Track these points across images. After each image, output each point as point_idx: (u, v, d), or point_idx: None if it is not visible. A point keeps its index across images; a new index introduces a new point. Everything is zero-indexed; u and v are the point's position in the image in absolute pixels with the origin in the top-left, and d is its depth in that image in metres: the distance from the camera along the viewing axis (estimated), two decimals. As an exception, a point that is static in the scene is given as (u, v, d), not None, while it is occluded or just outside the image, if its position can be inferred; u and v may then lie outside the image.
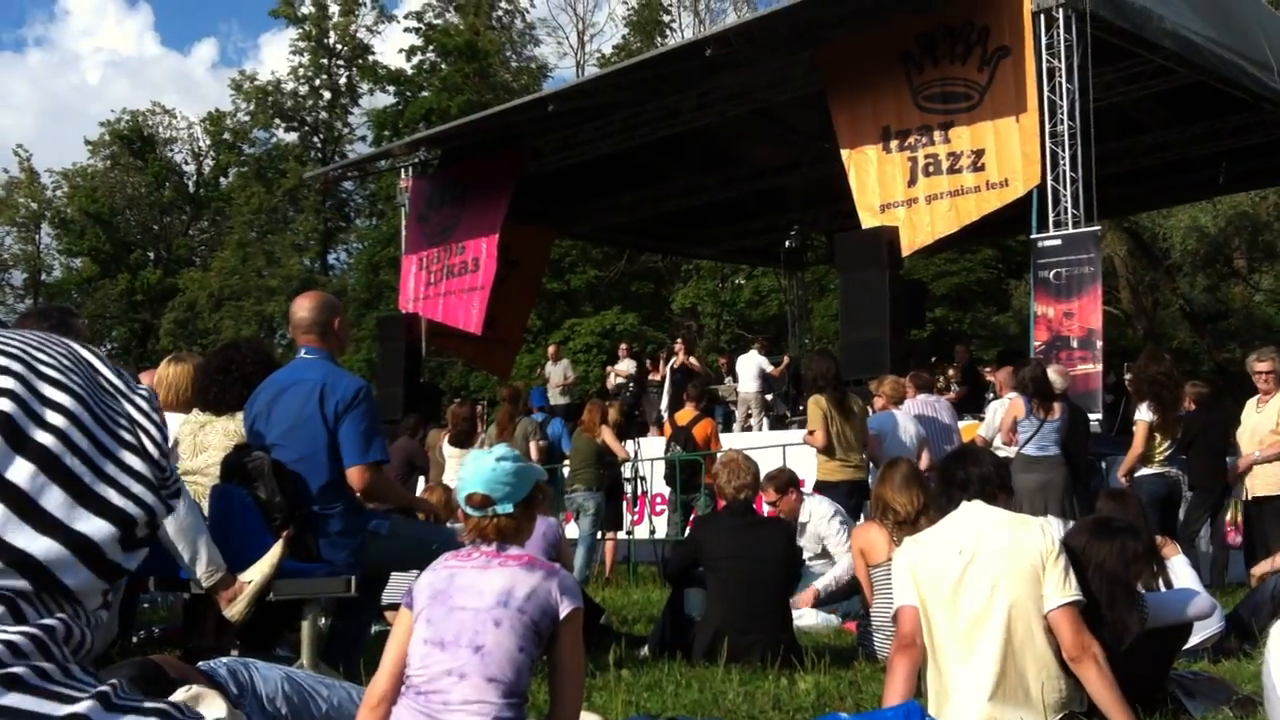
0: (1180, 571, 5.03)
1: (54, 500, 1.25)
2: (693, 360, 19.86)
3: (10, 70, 74.73)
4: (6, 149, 54.84)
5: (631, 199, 21.36)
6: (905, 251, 14.25)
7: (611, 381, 20.80)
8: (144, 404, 1.42)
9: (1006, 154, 13.23)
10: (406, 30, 42.93)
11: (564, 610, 3.19)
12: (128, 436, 1.36)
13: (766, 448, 12.55)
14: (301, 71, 44.57)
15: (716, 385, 19.17)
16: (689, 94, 16.79)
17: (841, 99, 14.83)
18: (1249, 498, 9.00)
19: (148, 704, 1.30)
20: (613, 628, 7.42)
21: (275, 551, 4.80)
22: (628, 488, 12.91)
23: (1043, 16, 12.94)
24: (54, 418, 1.28)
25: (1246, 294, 31.90)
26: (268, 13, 44.92)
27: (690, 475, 12.64)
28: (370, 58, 44.75)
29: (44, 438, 1.26)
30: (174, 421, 5.74)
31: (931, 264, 30.01)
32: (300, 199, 44.26)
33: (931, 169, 13.87)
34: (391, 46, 46.70)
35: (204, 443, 5.61)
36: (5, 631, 1.21)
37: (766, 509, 8.09)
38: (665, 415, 17.63)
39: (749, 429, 17.70)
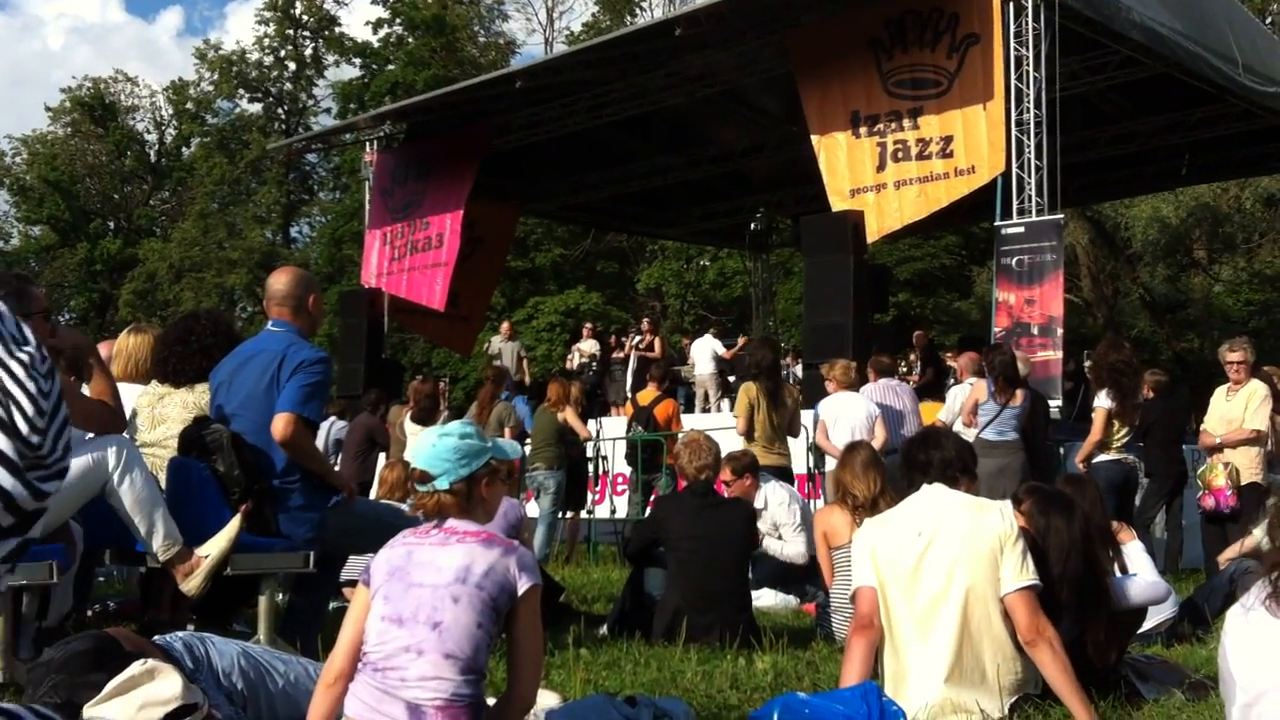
0: (1136, 557, 5.08)
1: None
2: (655, 345, 19.78)
3: (-30, 35, 73.66)
4: (-36, 114, 54.08)
5: (597, 178, 21.31)
6: (874, 236, 14.28)
7: (574, 361, 20.75)
8: (20, 369, 1.23)
9: (974, 141, 13.28)
10: (374, 2, 42.68)
11: (522, 587, 3.18)
12: None
13: (728, 429, 12.53)
14: (267, 42, 44.24)
15: (679, 366, 19.19)
16: (657, 74, 16.74)
17: (811, 83, 14.83)
18: (1242, 483, 9.13)
19: None
20: (572, 606, 7.43)
21: (233, 526, 4.77)
22: (590, 467, 12.90)
23: (1012, 5, 12.98)
24: None
25: (1206, 285, 32.21)
26: (234, -20, 44.53)
27: (651, 455, 12.65)
28: (337, 29, 44.50)
29: None
30: (132, 393, 5.68)
31: (895, 249, 30.12)
32: (263, 171, 43.92)
33: (900, 155, 13.90)
34: (358, 19, 46.60)
35: (162, 415, 5.56)
36: None
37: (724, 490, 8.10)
38: (627, 394, 17.64)
39: (707, 410, 17.73)
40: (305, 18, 44.47)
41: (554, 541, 11.91)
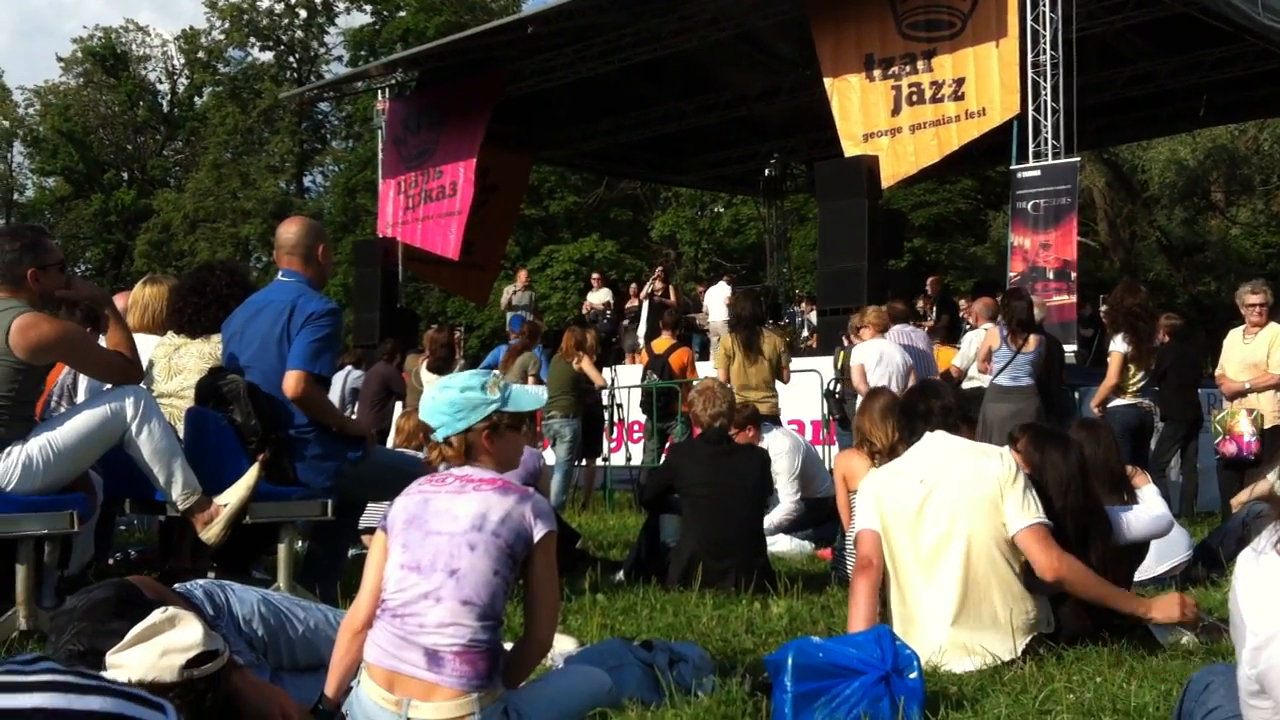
0: (1150, 501, 5.08)
1: None
2: (668, 292, 19.69)
3: (-21, -15, 73.33)
4: (-24, 66, 53.91)
5: (611, 124, 21.20)
6: (889, 182, 14.22)
7: (587, 309, 20.71)
8: None
9: (985, 82, 13.17)
10: (384, -52, 42.34)
11: (538, 533, 3.21)
12: None
13: (743, 376, 12.57)
14: (278, -10, 43.96)
15: (694, 314, 19.16)
16: (670, 18, 16.62)
17: (825, 26, 14.70)
18: (1266, 427, 9.07)
19: None
20: (589, 553, 7.47)
21: (251, 474, 4.80)
22: (605, 415, 12.93)
23: (1028, -56, 12.84)
24: None
25: (1223, 227, 32.00)
26: (244, -71, 44.16)
27: (666, 403, 12.66)
28: (347, -25, 44.14)
29: None
30: (148, 344, 5.71)
31: (910, 194, 29.97)
32: (276, 120, 43.80)
33: (915, 98, 13.80)
34: (369, -35, 45.97)
35: (179, 365, 5.59)
36: None
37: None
38: (641, 343, 17.63)
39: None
40: (316, -35, 44.21)
41: (570, 489, 11.96)
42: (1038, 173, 12.92)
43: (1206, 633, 4.51)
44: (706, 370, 14.04)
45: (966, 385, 10.33)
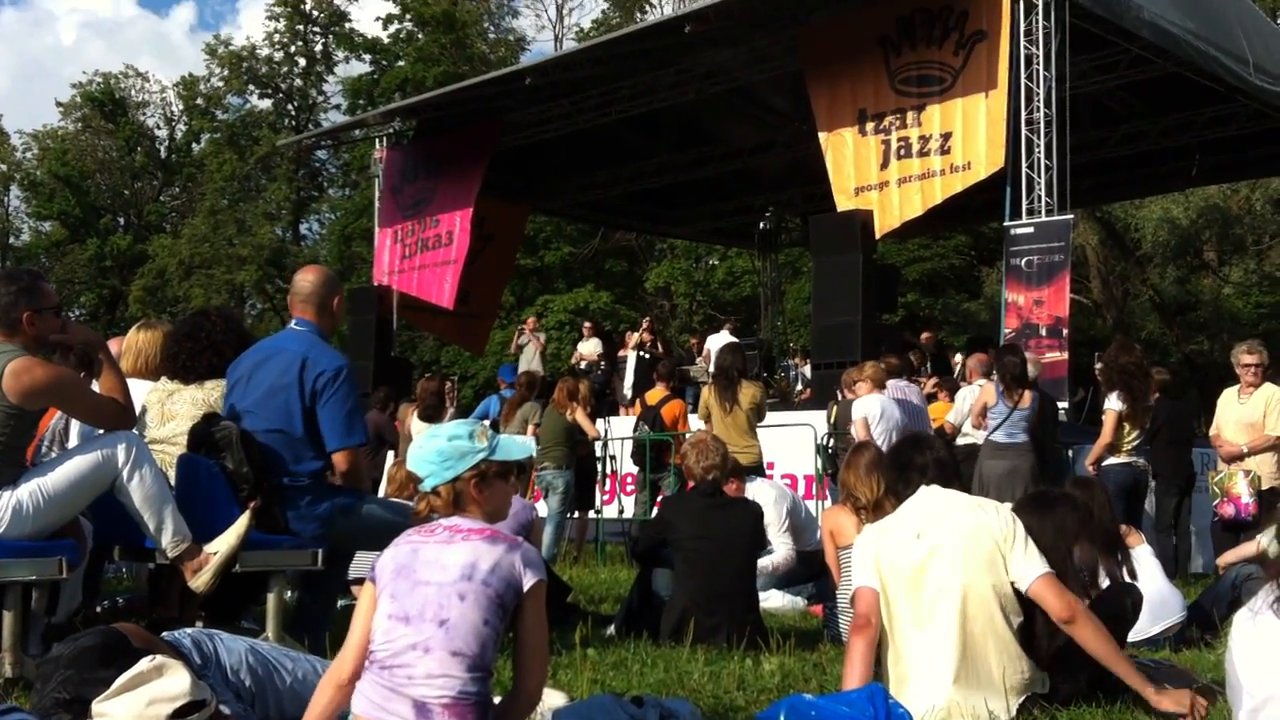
0: (1145, 562, 5.07)
1: None
2: (656, 344, 19.63)
3: (-18, 30, 73.83)
4: (-24, 110, 54.23)
5: (607, 176, 21.30)
6: (876, 235, 14.27)
7: (577, 359, 20.65)
8: None
9: (971, 137, 13.28)
10: (384, -1, 42.71)
11: (528, 582, 3.19)
12: None
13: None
14: (277, 38, 44.25)
15: (687, 366, 19.16)
16: (667, 71, 16.74)
17: (820, 81, 14.82)
18: (1263, 489, 9.04)
19: None
20: (580, 606, 7.42)
21: (242, 523, 4.78)
22: (598, 467, 12.90)
23: (1022, 2, 12.96)
24: None
25: (1216, 286, 32.12)
26: (244, -22, 44.57)
27: (659, 455, 12.64)
28: (347, 25, 44.47)
29: None
30: (141, 389, 5.69)
31: (905, 249, 30.10)
32: (273, 167, 43.97)
33: (903, 152, 13.91)
34: (368, 14, 46.48)
35: (171, 411, 5.57)
36: None
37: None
38: (629, 394, 17.60)
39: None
40: (315, 13, 44.49)
41: (562, 541, 11.91)
42: (1031, 229, 12.98)
43: (1201, 694, 4.48)
44: (699, 422, 14.04)
45: (961, 441, 10.33)
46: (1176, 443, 10.54)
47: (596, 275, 36.90)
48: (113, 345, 5.78)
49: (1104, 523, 4.97)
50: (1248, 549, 7.52)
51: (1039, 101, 12.91)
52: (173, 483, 5.03)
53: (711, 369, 10.73)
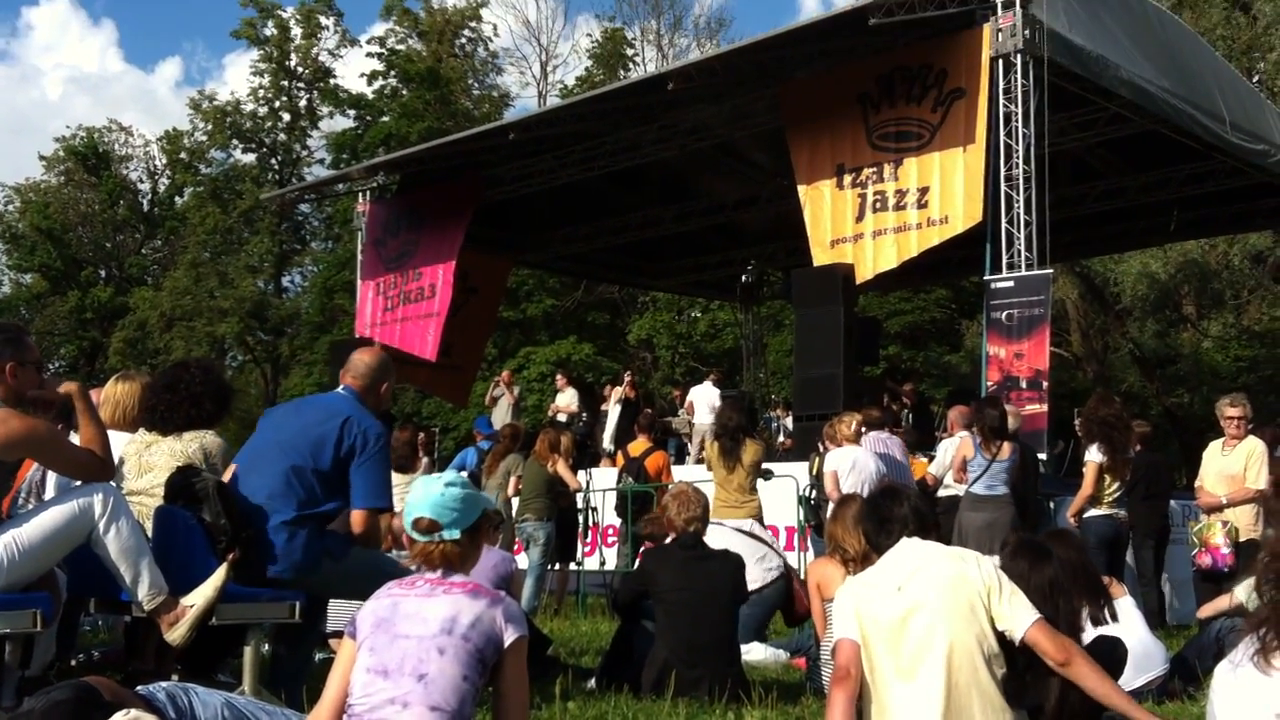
0: (1128, 613, 5.06)
1: None
2: (639, 399, 19.63)
3: (-32, 84, 73.96)
4: (-41, 162, 54.21)
5: (590, 229, 21.39)
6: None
7: (553, 410, 20.55)
8: None
9: (949, 191, 13.39)
10: (369, 55, 42.98)
11: (509, 638, 3.17)
12: None
13: (718, 481, 12.52)
14: (261, 93, 44.42)
15: (669, 418, 19.15)
16: (650, 127, 16.86)
17: (801, 136, 14.95)
18: (1240, 540, 9.07)
19: None
20: (560, 659, 7.37)
21: (219, 575, 4.74)
22: (580, 519, 12.84)
23: (1001, 61, 13.10)
24: None
25: (1195, 340, 32.29)
26: (229, 33, 44.82)
27: (641, 507, 12.59)
28: (331, 81, 44.71)
29: None
30: (119, 440, 5.66)
31: (885, 302, 30.22)
32: (256, 220, 44.00)
33: (879, 205, 14.03)
34: (353, 70, 46.50)
35: (149, 463, 5.54)
36: None
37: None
38: (610, 446, 17.56)
39: (702, 461, 17.67)
40: (300, 69, 44.75)
41: (543, 593, 11.83)
42: (1011, 283, 13.06)
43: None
44: (682, 474, 14.02)
45: (942, 493, 10.32)
46: (1153, 496, 10.58)
47: (579, 327, 36.93)
48: (93, 397, 5.76)
49: (1087, 568, 4.96)
50: (1222, 602, 7.55)
51: (1018, 158, 13.02)
52: (150, 535, 4.99)
53: (715, 426, 10.72)
